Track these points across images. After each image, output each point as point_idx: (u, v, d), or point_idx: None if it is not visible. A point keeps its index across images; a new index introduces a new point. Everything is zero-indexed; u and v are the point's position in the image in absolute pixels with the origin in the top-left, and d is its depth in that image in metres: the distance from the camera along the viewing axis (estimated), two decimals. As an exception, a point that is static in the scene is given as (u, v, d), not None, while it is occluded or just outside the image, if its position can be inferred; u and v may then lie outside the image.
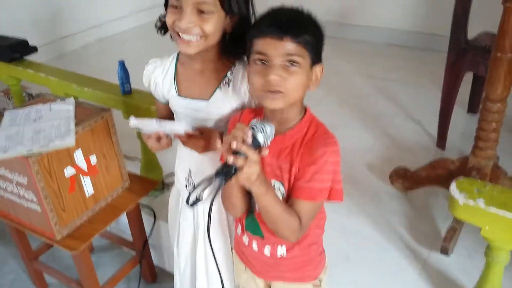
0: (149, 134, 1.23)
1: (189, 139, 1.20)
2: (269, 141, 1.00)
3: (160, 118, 1.33)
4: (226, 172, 0.93)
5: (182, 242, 1.53)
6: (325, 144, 1.06)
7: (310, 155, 1.05)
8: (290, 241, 1.13)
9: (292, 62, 1.00)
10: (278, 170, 1.10)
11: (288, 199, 1.11)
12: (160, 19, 1.26)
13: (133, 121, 1.17)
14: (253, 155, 0.93)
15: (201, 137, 1.21)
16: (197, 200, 0.93)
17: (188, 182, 1.41)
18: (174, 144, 1.33)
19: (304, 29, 1.00)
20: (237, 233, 1.28)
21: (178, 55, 1.33)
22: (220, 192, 1.02)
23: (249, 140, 0.95)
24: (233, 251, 1.37)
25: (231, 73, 1.25)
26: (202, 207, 1.43)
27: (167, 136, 1.24)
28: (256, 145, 0.97)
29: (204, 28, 1.14)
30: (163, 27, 1.26)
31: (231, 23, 1.19)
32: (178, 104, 1.32)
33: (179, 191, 1.50)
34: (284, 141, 1.09)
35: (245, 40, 1.12)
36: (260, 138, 0.98)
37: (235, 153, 0.93)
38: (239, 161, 0.92)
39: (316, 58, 1.05)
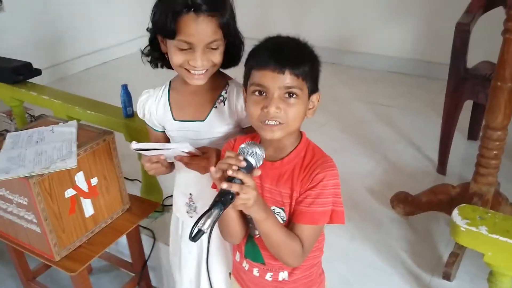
0: (149, 157, 1.23)
1: (192, 160, 1.21)
2: (260, 162, 1.01)
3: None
4: (223, 200, 0.93)
5: (185, 267, 1.52)
6: (324, 167, 1.06)
7: (310, 179, 1.06)
8: (293, 265, 1.13)
9: (291, 94, 1.02)
10: (278, 196, 1.10)
11: (289, 224, 1.10)
12: (149, 54, 1.30)
13: (135, 145, 1.18)
14: (248, 180, 0.94)
15: (203, 157, 1.21)
16: (200, 232, 0.93)
17: (189, 207, 1.41)
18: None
19: (302, 61, 1.02)
20: (235, 260, 1.27)
21: (170, 82, 1.36)
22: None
23: (243, 163, 0.96)
24: (231, 276, 1.36)
25: (226, 92, 1.28)
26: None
27: (165, 159, 1.24)
28: (248, 168, 0.98)
29: (214, 60, 1.19)
30: (156, 61, 1.30)
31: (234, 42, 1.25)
32: (174, 128, 1.33)
33: (177, 219, 1.50)
34: (283, 167, 1.10)
35: (238, 53, 1.21)
36: (252, 160, 0.99)
37: (230, 180, 0.94)
38: (235, 187, 0.92)
39: (313, 87, 1.06)
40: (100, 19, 4.40)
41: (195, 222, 0.93)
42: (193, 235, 0.93)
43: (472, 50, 2.42)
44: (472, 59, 2.51)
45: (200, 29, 1.13)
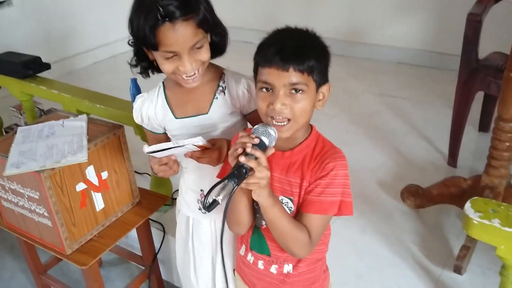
0: (159, 159, 1.22)
1: (203, 154, 1.20)
2: (273, 142, 1.02)
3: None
4: (237, 174, 0.94)
5: (200, 267, 1.51)
6: (334, 157, 1.07)
7: (320, 169, 1.06)
8: (300, 256, 1.13)
9: (297, 90, 1.02)
10: (288, 186, 1.10)
11: (297, 214, 1.10)
12: (137, 64, 1.29)
13: (148, 149, 1.16)
14: (262, 156, 0.96)
15: (214, 149, 1.21)
16: (215, 202, 0.93)
17: (201, 205, 1.41)
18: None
19: (307, 56, 1.00)
20: (240, 254, 1.27)
21: (163, 83, 1.36)
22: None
23: (256, 140, 0.98)
24: (235, 272, 1.36)
25: (223, 81, 1.28)
26: (220, 223, 1.42)
27: (175, 161, 1.23)
28: (262, 147, 0.99)
29: (201, 58, 1.19)
30: (146, 70, 1.29)
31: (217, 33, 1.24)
32: (176, 127, 1.33)
33: (187, 218, 1.49)
34: (293, 156, 1.10)
35: (223, 42, 1.23)
36: (265, 139, 1.00)
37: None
38: (252, 163, 0.94)
39: (322, 79, 1.05)
40: (108, 12, 4.39)
41: (208, 192, 0.94)
42: (207, 205, 0.93)
43: (483, 41, 2.40)
44: (484, 50, 2.48)
45: (179, 36, 1.12)
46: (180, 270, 1.64)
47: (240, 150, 0.97)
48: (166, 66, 1.19)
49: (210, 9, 1.19)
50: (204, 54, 1.19)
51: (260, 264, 1.20)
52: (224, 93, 1.28)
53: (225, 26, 1.26)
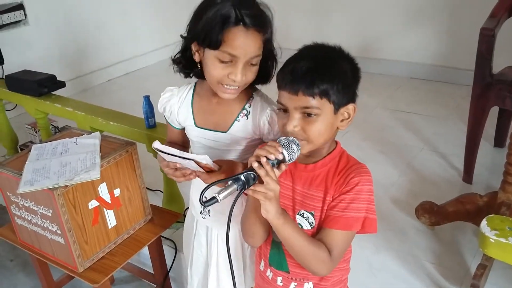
0: (167, 162, 1.22)
1: (210, 176, 1.19)
2: (293, 159, 1.01)
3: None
4: (244, 178, 0.93)
5: (195, 265, 1.55)
6: (359, 172, 1.06)
7: (345, 183, 1.05)
8: (321, 274, 1.11)
9: (309, 113, 1.01)
10: (309, 199, 1.09)
11: (319, 229, 1.09)
12: (180, 62, 1.28)
13: (156, 145, 1.17)
14: (273, 174, 0.95)
15: (221, 172, 1.20)
16: (214, 199, 0.92)
17: (203, 209, 1.42)
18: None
19: (320, 79, 0.99)
20: (259, 269, 1.25)
21: (195, 85, 1.35)
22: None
23: (280, 156, 0.98)
24: None
25: (250, 106, 1.27)
26: (216, 233, 1.43)
27: (177, 169, 1.23)
28: (279, 160, 0.98)
29: (249, 77, 1.19)
30: (188, 71, 1.28)
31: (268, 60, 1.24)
32: (195, 134, 1.34)
33: (193, 215, 1.51)
34: (316, 170, 1.09)
35: (270, 71, 1.20)
36: (285, 153, 0.99)
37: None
38: (262, 171, 0.94)
39: (342, 100, 1.03)
40: (121, 30, 4.47)
41: (207, 186, 0.94)
42: (205, 200, 0.93)
43: (497, 55, 2.38)
44: (498, 64, 2.46)
45: (248, 42, 1.12)
46: (184, 256, 1.67)
47: (255, 163, 0.96)
48: (217, 70, 1.16)
49: (272, 35, 1.21)
50: (253, 74, 1.19)
51: (279, 281, 1.19)
52: (247, 117, 1.27)
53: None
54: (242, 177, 0.93)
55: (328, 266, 1.07)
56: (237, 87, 1.19)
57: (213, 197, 0.92)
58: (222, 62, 1.15)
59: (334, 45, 1.07)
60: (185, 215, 2.20)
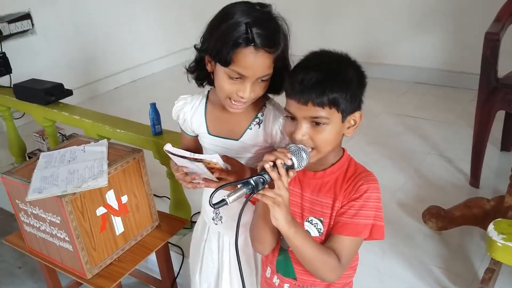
0: (177, 167, 1.24)
1: (220, 179, 1.20)
2: (301, 166, 1.01)
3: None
4: (254, 182, 0.94)
5: (205, 271, 1.55)
6: (367, 180, 1.07)
7: (354, 190, 1.06)
8: (330, 281, 1.11)
9: (318, 123, 1.02)
10: (318, 206, 1.10)
11: (327, 235, 1.09)
12: (194, 71, 1.28)
13: (168, 147, 1.18)
14: (285, 175, 0.96)
15: (233, 172, 1.20)
16: (223, 201, 0.92)
17: (216, 215, 1.43)
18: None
19: (329, 89, 0.99)
20: (266, 276, 1.26)
21: (208, 92, 1.36)
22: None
23: (289, 162, 0.98)
24: None
25: (262, 115, 1.27)
26: (228, 239, 1.43)
27: (186, 174, 1.25)
28: (288, 166, 0.99)
29: (258, 92, 1.20)
30: (202, 80, 1.29)
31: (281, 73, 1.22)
32: (208, 141, 1.35)
33: (205, 222, 1.51)
34: (325, 177, 1.10)
35: (281, 81, 1.17)
36: (294, 161, 1.00)
37: (263, 170, 0.96)
38: (274, 174, 0.95)
39: (350, 108, 1.04)
40: (127, 38, 4.51)
41: (216, 189, 0.95)
42: (214, 202, 0.93)
43: (502, 59, 2.38)
44: (503, 68, 2.46)
45: (257, 64, 1.13)
46: (190, 264, 1.66)
47: (270, 163, 0.97)
48: (226, 86, 1.17)
49: (287, 49, 1.19)
50: (263, 89, 1.20)
51: (286, 287, 1.19)
52: (259, 125, 1.28)
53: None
54: (252, 181, 0.94)
55: (338, 272, 1.07)
56: (245, 102, 1.20)
57: (223, 200, 0.93)
58: (231, 78, 1.16)
59: (341, 52, 1.08)
60: (192, 222, 2.23)
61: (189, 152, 1.15)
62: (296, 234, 1.01)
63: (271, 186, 0.97)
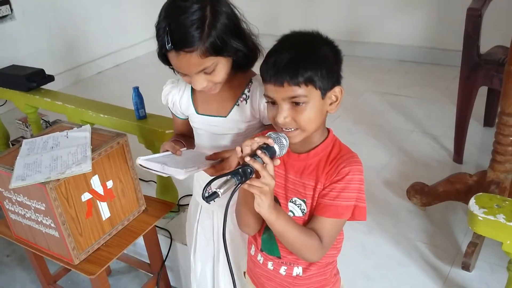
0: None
1: (216, 170, 1.23)
2: (283, 152, 1.02)
3: (171, 148, 1.32)
4: (242, 172, 0.94)
5: (199, 250, 1.57)
6: (350, 162, 1.07)
7: (336, 173, 1.06)
8: (312, 261, 1.13)
9: (297, 102, 1.01)
10: (301, 188, 1.11)
11: (310, 216, 1.11)
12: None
13: (140, 161, 1.22)
14: (270, 162, 0.97)
15: (226, 162, 1.23)
16: (215, 194, 0.93)
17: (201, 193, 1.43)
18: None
19: (303, 68, 0.99)
20: (250, 253, 1.27)
21: None
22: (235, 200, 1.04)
23: (271, 141, 0.99)
24: (246, 275, 1.36)
25: (249, 91, 1.29)
26: (222, 216, 1.44)
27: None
28: (271, 154, 0.99)
29: (214, 79, 1.20)
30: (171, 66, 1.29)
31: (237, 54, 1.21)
32: (197, 121, 1.36)
33: (197, 202, 1.53)
34: (308, 159, 1.11)
35: (249, 59, 1.20)
36: (276, 147, 1.00)
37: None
38: (257, 165, 0.95)
39: (328, 84, 1.03)
40: (109, 22, 4.44)
41: (207, 183, 0.95)
42: (207, 195, 0.94)
43: (484, 35, 2.39)
44: (485, 44, 2.47)
45: (183, 64, 1.15)
46: (187, 244, 1.68)
47: (248, 149, 0.98)
48: (183, 78, 1.22)
49: (226, 32, 1.15)
50: (217, 75, 1.19)
51: (270, 265, 1.20)
52: (246, 101, 1.29)
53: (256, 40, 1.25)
54: (240, 171, 0.94)
55: (319, 253, 1.09)
56: (211, 87, 1.22)
57: (214, 192, 0.93)
58: (181, 74, 1.20)
59: (312, 30, 1.07)
60: (180, 205, 2.24)
61: (159, 165, 1.18)
62: (278, 220, 1.02)
63: (257, 174, 0.97)
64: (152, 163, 1.22)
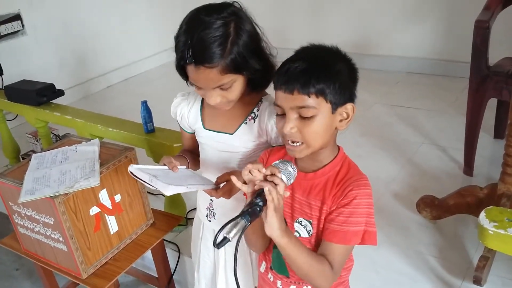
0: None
1: (217, 192, 1.24)
2: (291, 181, 1.01)
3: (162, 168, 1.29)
4: (251, 212, 0.94)
5: (203, 268, 1.56)
6: (358, 185, 1.04)
7: (343, 196, 1.04)
8: (323, 287, 1.08)
9: (305, 116, 1.00)
10: (307, 208, 1.09)
11: (316, 237, 1.09)
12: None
13: (131, 169, 1.21)
14: (281, 183, 0.95)
15: (226, 185, 1.24)
16: (225, 239, 0.92)
17: (209, 212, 1.43)
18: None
19: (315, 78, 0.98)
20: (260, 271, 1.26)
21: None
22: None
23: (280, 183, 0.96)
24: None
25: (258, 110, 1.27)
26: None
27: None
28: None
29: (229, 97, 1.19)
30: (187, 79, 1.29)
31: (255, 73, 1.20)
32: (203, 135, 1.36)
33: (200, 219, 1.52)
34: (316, 179, 1.08)
35: (265, 79, 1.19)
36: (284, 178, 0.98)
37: (259, 194, 0.95)
38: (272, 197, 0.93)
39: (340, 100, 1.01)
40: (118, 37, 4.48)
41: (220, 229, 0.93)
42: (217, 242, 0.92)
43: (493, 47, 2.38)
44: (494, 56, 2.46)
45: (202, 78, 1.15)
46: (192, 258, 1.68)
47: (258, 182, 0.96)
48: (197, 91, 1.22)
49: (247, 50, 1.15)
50: (233, 93, 1.19)
51: (279, 284, 1.19)
52: (254, 120, 1.28)
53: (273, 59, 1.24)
54: (250, 211, 0.94)
55: (330, 280, 1.06)
56: (224, 103, 1.21)
57: (225, 238, 0.92)
58: (197, 87, 1.20)
59: (331, 45, 1.06)
60: (188, 218, 2.23)
61: (148, 177, 1.17)
62: (289, 244, 0.99)
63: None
64: (142, 173, 1.19)
